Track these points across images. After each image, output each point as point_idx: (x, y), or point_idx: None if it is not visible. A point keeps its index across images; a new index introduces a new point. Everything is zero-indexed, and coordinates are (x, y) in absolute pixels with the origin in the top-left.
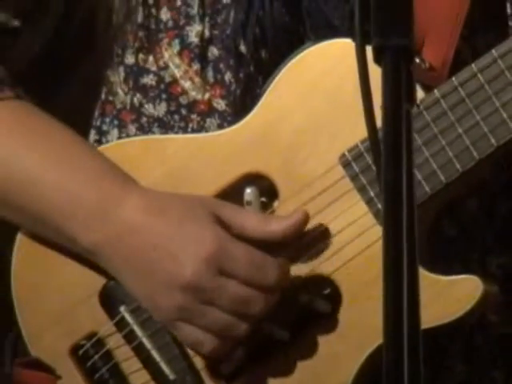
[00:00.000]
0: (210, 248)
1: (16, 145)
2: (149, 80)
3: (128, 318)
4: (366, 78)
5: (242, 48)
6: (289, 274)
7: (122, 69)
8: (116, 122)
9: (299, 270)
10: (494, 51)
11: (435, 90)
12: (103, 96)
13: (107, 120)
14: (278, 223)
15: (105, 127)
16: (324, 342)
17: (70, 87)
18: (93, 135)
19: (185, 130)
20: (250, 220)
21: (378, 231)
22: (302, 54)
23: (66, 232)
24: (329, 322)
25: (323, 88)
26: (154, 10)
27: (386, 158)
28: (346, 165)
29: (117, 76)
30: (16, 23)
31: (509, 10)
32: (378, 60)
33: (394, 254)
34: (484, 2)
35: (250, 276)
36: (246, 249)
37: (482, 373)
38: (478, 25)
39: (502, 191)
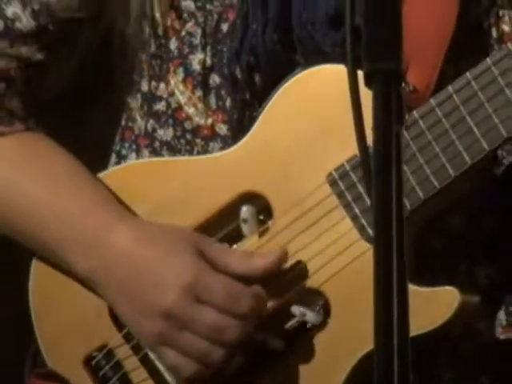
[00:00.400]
0: (189, 278)
1: (20, 178)
2: (160, 106)
3: None
4: (358, 102)
5: (238, 74)
6: (264, 304)
7: (139, 96)
8: (134, 147)
9: (290, 283)
10: (468, 73)
11: (414, 111)
12: (123, 122)
13: (126, 145)
14: (259, 260)
15: (124, 151)
16: (317, 349)
17: (91, 114)
18: (113, 159)
19: (191, 154)
20: (233, 257)
21: (362, 245)
22: (293, 79)
23: (65, 259)
24: (321, 330)
25: (313, 111)
26: (163, 41)
27: (376, 177)
28: (332, 183)
29: (135, 103)
30: (39, 57)
31: (494, 34)
32: (368, 84)
33: (384, 266)
34: (469, 26)
35: (225, 305)
36: (222, 280)
37: (469, 379)
38: (463, 49)
39: (488, 205)
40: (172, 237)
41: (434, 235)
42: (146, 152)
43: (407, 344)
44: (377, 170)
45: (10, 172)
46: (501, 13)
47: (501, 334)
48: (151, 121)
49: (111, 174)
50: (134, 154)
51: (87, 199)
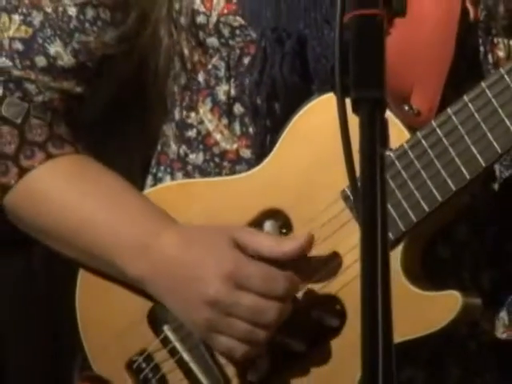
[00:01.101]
0: (227, 268)
1: (73, 194)
2: (191, 133)
3: (170, 335)
4: (346, 127)
5: (259, 104)
6: (297, 286)
7: (173, 124)
8: (169, 170)
9: (310, 290)
10: (465, 96)
11: (417, 132)
12: (159, 148)
13: (162, 168)
14: (288, 244)
15: (160, 174)
16: (332, 353)
17: (131, 140)
18: (149, 180)
19: (219, 176)
20: (265, 241)
21: None
22: (307, 107)
23: (116, 266)
24: (336, 335)
25: (325, 135)
26: (193, 74)
27: (363, 195)
28: (345, 198)
29: (170, 130)
30: (79, 90)
31: (490, 60)
32: (355, 110)
33: (371, 272)
34: (467, 53)
35: (262, 289)
36: (258, 266)
37: (475, 375)
38: (463, 74)
39: (491, 216)
40: (209, 235)
41: (440, 244)
42: (179, 175)
43: (391, 345)
44: (363, 188)
45: (64, 188)
46: (495, 40)
47: (503, 333)
48: (183, 146)
49: (149, 194)
50: (168, 177)
51: (135, 210)
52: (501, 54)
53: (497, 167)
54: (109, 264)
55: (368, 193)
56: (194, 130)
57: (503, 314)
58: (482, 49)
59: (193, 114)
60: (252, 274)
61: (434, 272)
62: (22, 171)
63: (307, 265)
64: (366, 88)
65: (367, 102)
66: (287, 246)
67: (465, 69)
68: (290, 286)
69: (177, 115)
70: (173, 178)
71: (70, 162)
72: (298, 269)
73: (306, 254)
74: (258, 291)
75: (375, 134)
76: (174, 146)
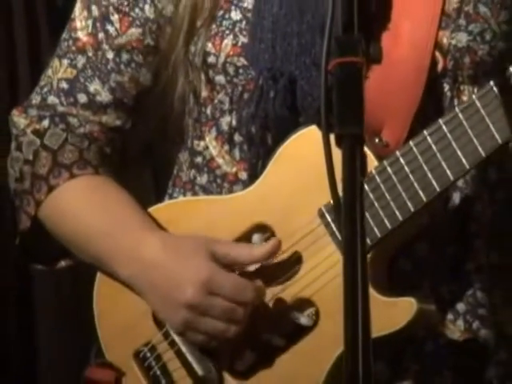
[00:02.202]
0: (203, 277)
1: (84, 205)
2: (199, 159)
3: (170, 330)
4: (330, 158)
5: (253, 133)
6: (263, 293)
7: (187, 152)
8: (182, 191)
9: (289, 295)
10: (425, 131)
11: (384, 161)
12: (175, 172)
13: (177, 189)
14: (257, 249)
15: (175, 194)
16: (307, 346)
17: (152, 165)
18: (167, 199)
19: (220, 194)
20: (237, 248)
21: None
22: (293, 137)
23: (112, 269)
24: (311, 332)
25: (307, 162)
26: (203, 108)
27: (344, 216)
28: (321, 216)
29: (183, 157)
30: (118, 123)
31: (456, 103)
32: (338, 144)
33: (352, 281)
34: (437, 95)
35: (232, 295)
36: (230, 276)
37: (433, 373)
38: (432, 114)
39: (450, 237)
40: (189, 246)
41: (402, 258)
42: (189, 195)
43: (369, 346)
44: (345, 211)
45: (77, 205)
46: (461, 87)
47: (459, 337)
48: (193, 171)
49: (158, 209)
50: (181, 196)
51: (129, 223)
52: (465, 98)
53: (457, 195)
54: (107, 267)
55: (350, 213)
56: (201, 157)
57: (460, 322)
58: (449, 94)
59: (202, 143)
60: (224, 283)
61: (398, 282)
62: (50, 189)
63: (285, 278)
64: (348, 125)
65: (349, 137)
66: (256, 250)
67: (432, 110)
68: (255, 293)
69: (189, 144)
70: (184, 197)
71: (86, 182)
72: (267, 276)
73: (272, 257)
74: (229, 297)
75: (356, 164)
76: (186, 171)
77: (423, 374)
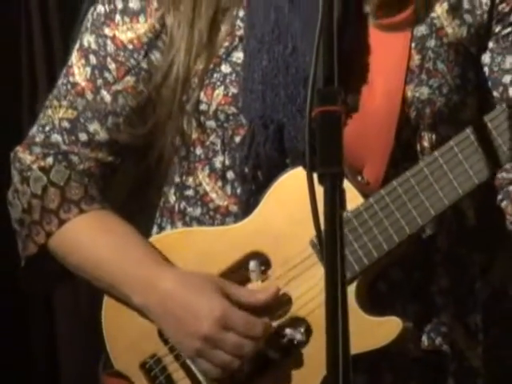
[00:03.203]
0: (218, 312)
1: (94, 241)
2: (189, 192)
3: None
4: (313, 194)
5: (246, 172)
6: (270, 327)
7: (173, 186)
8: (169, 221)
9: (285, 314)
10: (407, 172)
11: (370, 198)
12: (162, 203)
13: (164, 219)
14: (260, 294)
15: (163, 224)
16: (301, 360)
17: (142, 200)
18: (155, 229)
19: (212, 225)
20: (244, 293)
21: None
22: (284, 176)
23: (125, 295)
24: (304, 347)
25: (297, 198)
26: (192, 148)
27: (326, 245)
28: (313, 246)
29: (170, 190)
30: (110, 159)
31: (418, 148)
32: (321, 182)
33: (333, 305)
34: (403, 141)
35: (243, 330)
36: (241, 313)
37: (404, 381)
38: (400, 157)
39: (417, 262)
40: (203, 281)
41: (381, 281)
42: (179, 224)
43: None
44: (327, 240)
45: (89, 238)
46: (422, 134)
47: (424, 352)
48: (183, 202)
49: (158, 239)
50: (169, 226)
51: (141, 254)
52: (426, 144)
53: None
54: (120, 292)
55: (331, 243)
56: (191, 190)
57: (424, 338)
58: (412, 139)
59: (190, 179)
60: (237, 320)
61: (375, 302)
62: (61, 222)
63: (283, 300)
64: (329, 166)
65: (329, 176)
66: (260, 296)
67: (400, 153)
68: (264, 329)
69: (176, 179)
70: (173, 226)
71: (95, 217)
72: (270, 312)
73: (273, 300)
74: (240, 332)
75: (336, 199)
76: (172, 202)
77: (396, 383)
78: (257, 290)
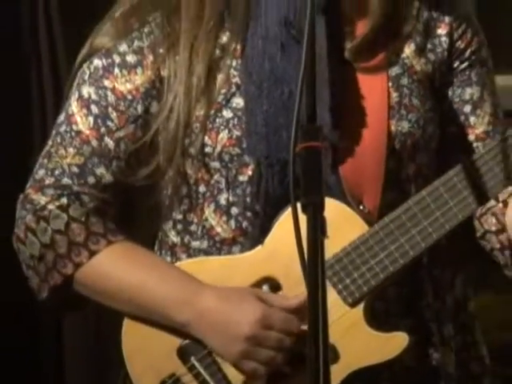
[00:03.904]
0: (258, 314)
1: (129, 266)
2: (193, 227)
3: (196, 364)
4: (297, 223)
5: (257, 209)
6: (300, 325)
7: (171, 221)
8: (169, 253)
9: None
10: (409, 201)
11: (375, 225)
12: (160, 237)
13: (163, 252)
14: (292, 300)
15: (162, 256)
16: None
17: (142, 234)
18: None
19: (219, 255)
20: (277, 298)
21: (345, 310)
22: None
23: (165, 316)
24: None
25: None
26: (194, 187)
27: (309, 265)
28: None
29: (167, 226)
30: (115, 199)
31: (410, 172)
32: (304, 211)
33: (314, 324)
34: (390, 171)
35: (281, 327)
36: (280, 312)
37: None
38: (388, 184)
39: (405, 280)
40: (239, 292)
41: (377, 300)
42: (183, 256)
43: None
44: (309, 262)
45: (122, 267)
46: (405, 163)
47: (417, 362)
48: (187, 236)
49: (181, 266)
50: (169, 258)
51: (176, 276)
52: (410, 172)
53: None
54: (161, 314)
55: (313, 264)
56: (195, 226)
57: (416, 349)
58: (397, 169)
59: (193, 214)
60: (276, 318)
61: (376, 318)
62: (92, 253)
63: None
64: (310, 196)
65: (312, 205)
66: (293, 301)
67: (389, 182)
68: (297, 325)
69: (178, 216)
70: (174, 258)
71: (124, 247)
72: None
73: (302, 306)
74: (279, 329)
75: (317, 225)
76: (172, 237)
77: None
78: (288, 296)
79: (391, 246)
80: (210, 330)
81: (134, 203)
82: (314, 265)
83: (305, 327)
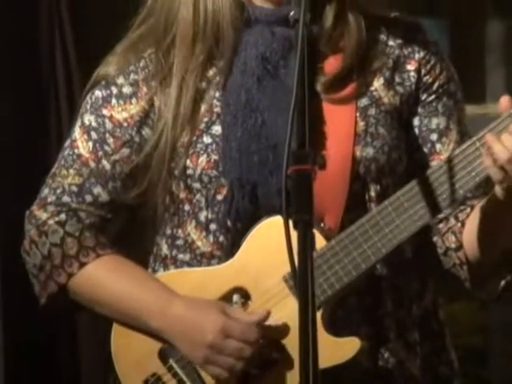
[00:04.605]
0: (220, 324)
1: (113, 277)
2: (180, 242)
3: (174, 365)
4: (289, 238)
5: (229, 224)
6: (261, 335)
7: (164, 237)
8: (162, 265)
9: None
10: (363, 218)
11: (332, 240)
12: (155, 250)
13: (157, 263)
14: (253, 315)
15: (156, 268)
16: (276, 373)
17: (139, 248)
18: (149, 270)
19: (200, 267)
20: (240, 314)
21: None
22: (259, 225)
23: (145, 323)
24: (279, 363)
25: (272, 242)
26: (180, 205)
27: (300, 278)
28: (286, 281)
29: (162, 240)
30: (109, 216)
31: (373, 193)
32: (295, 227)
33: (304, 327)
34: (354, 192)
35: (241, 337)
36: (238, 325)
37: None
38: (351, 204)
39: (366, 289)
40: (204, 303)
41: (338, 308)
42: (172, 267)
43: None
44: (300, 273)
45: (108, 278)
46: (369, 185)
47: (375, 366)
48: (174, 250)
49: (161, 277)
50: (162, 269)
51: (154, 287)
52: (372, 194)
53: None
54: (139, 321)
55: (303, 276)
56: (181, 240)
57: (374, 353)
58: (361, 191)
59: (180, 230)
60: (234, 328)
61: (334, 325)
62: (81, 265)
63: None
64: (302, 214)
65: (302, 222)
66: (253, 317)
67: (352, 202)
68: (256, 336)
69: (168, 231)
70: (166, 269)
71: (110, 260)
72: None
73: (264, 320)
74: (239, 338)
75: (307, 241)
76: (165, 250)
77: None
78: (251, 311)
79: (345, 259)
80: (180, 337)
81: (135, 219)
82: (304, 274)
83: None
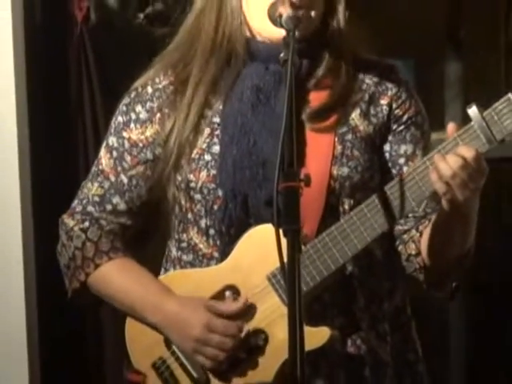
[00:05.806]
0: (205, 321)
1: (121, 277)
2: (184, 245)
3: (176, 350)
4: (280, 243)
5: (223, 230)
6: (242, 328)
7: (174, 240)
8: (172, 265)
9: (250, 326)
10: (333, 227)
11: (308, 245)
12: (166, 252)
13: (169, 264)
14: (234, 305)
15: (167, 267)
16: (261, 357)
17: (151, 249)
18: (162, 271)
19: (201, 267)
20: (222, 305)
21: (283, 310)
22: (250, 231)
23: (143, 316)
24: (263, 349)
25: (258, 247)
26: (185, 214)
27: (289, 279)
28: (269, 279)
29: (171, 244)
30: (129, 223)
31: (346, 206)
32: (285, 235)
33: (293, 315)
34: (329, 204)
35: (223, 331)
36: (220, 320)
37: (334, 373)
38: (326, 215)
39: (339, 286)
40: (194, 301)
41: (315, 302)
42: (178, 267)
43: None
44: (289, 274)
45: (115, 278)
46: (343, 200)
47: (349, 352)
48: (179, 252)
49: (166, 277)
50: (172, 268)
51: (152, 286)
52: (346, 207)
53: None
54: (139, 314)
55: (292, 275)
56: (185, 243)
57: (348, 341)
58: (335, 204)
59: (185, 235)
60: (217, 324)
61: (313, 317)
62: (96, 266)
63: (250, 314)
64: (291, 223)
65: (291, 230)
66: (234, 306)
67: (328, 214)
68: (237, 330)
69: (176, 236)
70: (174, 269)
71: (120, 262)
72: (243, 318)
73: (245, 309)
74: (221, 332)
75: (295, 246)
76: (174, 252)
77: (331, 373)
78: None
79: (317, 261)
80: (172, 330)
81: (152, 226)
82: (292, 275)
83: (246, 327)
